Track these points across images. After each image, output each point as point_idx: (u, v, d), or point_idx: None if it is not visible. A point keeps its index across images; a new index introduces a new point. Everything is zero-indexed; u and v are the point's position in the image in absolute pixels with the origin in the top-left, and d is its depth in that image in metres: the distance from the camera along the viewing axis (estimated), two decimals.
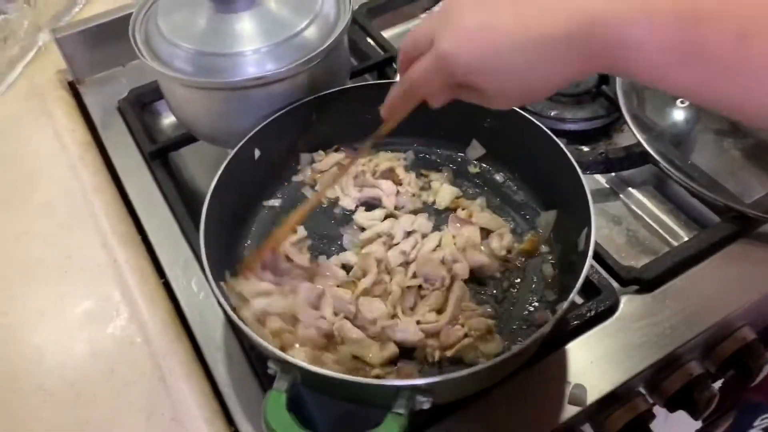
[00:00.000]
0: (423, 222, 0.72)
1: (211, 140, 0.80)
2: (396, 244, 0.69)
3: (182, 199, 0.79)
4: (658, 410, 0.71)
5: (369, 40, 0.96)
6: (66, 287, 0.72)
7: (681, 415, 0.73)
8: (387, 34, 1.01)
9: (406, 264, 0.67)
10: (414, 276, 0.66)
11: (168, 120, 0.95)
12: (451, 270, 0.65)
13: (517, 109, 0.70)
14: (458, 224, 0.71)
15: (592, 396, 0.62)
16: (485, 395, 0.61)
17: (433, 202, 0.74)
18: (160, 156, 0.83)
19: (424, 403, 0.52)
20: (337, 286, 0.65)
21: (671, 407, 0.72)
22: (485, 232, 0.71)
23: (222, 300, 0.58)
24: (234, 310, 0.58)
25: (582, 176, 0.64)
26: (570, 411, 0.61)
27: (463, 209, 0.73)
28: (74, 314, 0.70)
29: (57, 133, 0.88)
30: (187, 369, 0.66)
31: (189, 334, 0.69)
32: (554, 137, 0.68)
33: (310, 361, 0.55)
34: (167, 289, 0.73)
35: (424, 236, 0.71)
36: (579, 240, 0.63)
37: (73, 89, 0.96)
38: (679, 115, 0.82)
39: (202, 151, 0.87)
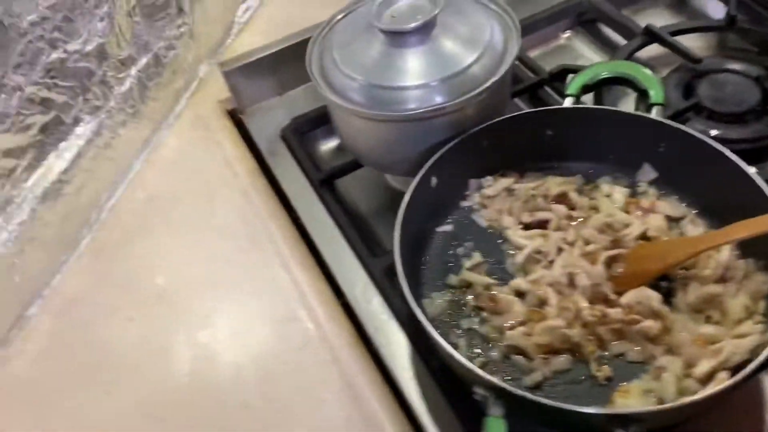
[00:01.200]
0: (573, 232, 0.72)
1: (380, 168, 0.83)
2: (550, 262, 0.70)
3: (352, 224, 0.82)
4: None
5: (517, 62, 0.98)
6: (254, 307, 0.77)
7: None
8: (530, 54, 1.02)
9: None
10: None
11: (325, 146, 0.99)
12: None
13: (700, 136, 0.70)
14: (641, 213, 0.71)
15: None
16: (683, 426, 0.61)
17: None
18: (329, 183, 0.87)
19: (637, 431, 0.52)
20: (521, 323, 0.66)
21: None
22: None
23: (423, 319, 0.60)
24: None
25: None
26: None
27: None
28: (265, 332, 0.75)
29: (227, 160, 0.94)
30: (378, 389, 0.69)
31: (373, 355, 0.72)
32: (738, 159, 0.67)
33: None
34: (347, 311, 0.76)
35: (586, 243, 0.71)
36: None
37: (234, 118, 1.02)
38: None
39: (361, 176, 0.91)
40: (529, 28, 1.04)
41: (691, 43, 0.98)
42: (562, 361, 0.64)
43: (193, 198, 0.90)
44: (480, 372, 0.55)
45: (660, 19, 1.04)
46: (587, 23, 1.09)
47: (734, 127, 0.85)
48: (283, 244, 0.83)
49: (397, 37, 0.75)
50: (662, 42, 0.97)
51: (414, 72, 0.74)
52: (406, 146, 0.77)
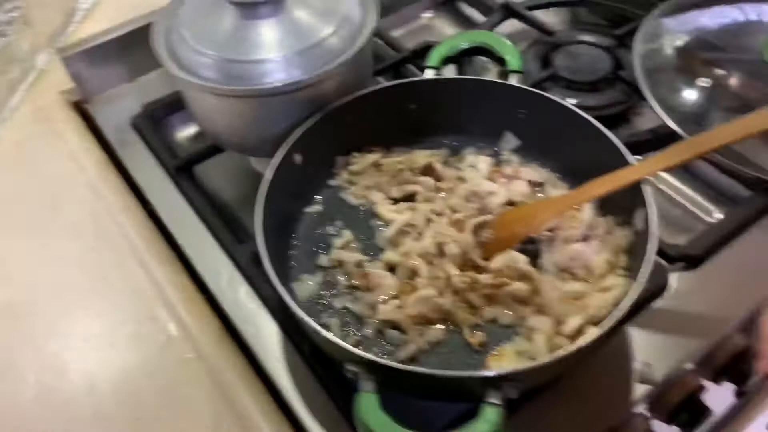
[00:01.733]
0: (441, 202, 0.71)
1: (240, 149, 0.79)
2: (420, 233, 0.69)
3: (214, 212, 0.77)
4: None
5: (378, 40, 0.96)
6: (108, 310, 0.70)
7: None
8: (393, 35, 1.01)
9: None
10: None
11: (183, 134, 0.93)
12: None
13: (557, 99, 0.71)
14: (505, 180, 0.71)
15: (658, 374, 0.63)
16: (556, 384, 0.61)
17: None
18: (186, 170, 0.81)
19: (513, 391, 0.52)
20: (393, 296, 0.64)
21: (718, 379, 0.74)
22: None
23: (289, 300, 0.57)
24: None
25: (632, 158, 0.64)
26: (640, 390, 0.62)
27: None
28: (121, 337, 0.68)
29: (72, 154, 0.85)
30: (248, 383, 0.64)
31: (242, 348, 0.67)
32: (598, 125, 0.68)
33: None
34: (212, 304, 0.71)
35: (453, 212, 0.70)
36: (635, 220, 0.64)
37: (80, 109, 0.93)
38: (696, 95, 0.84)
39: (223, 163, 0.86)
40: (390, 8, 1.04)
41: (547, 18, 1.01)
42: (436, 331, 0.62)
43: (35, 197, 0.81)
44: (348, 347, 0.52)
45: None
46: (447, 2, 1.10)
47: (590, 94, 0.88)
48: (138, 239, 0.76)
49: (248, 9, 0.71)
50: (519, 17, 0.99)
51: (269, 45, 0.70)
52: (265, 124, 0.73)
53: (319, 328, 0.55)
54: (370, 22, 0.75)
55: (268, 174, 0.65)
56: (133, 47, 0.92)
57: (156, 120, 0.88)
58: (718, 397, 0.77)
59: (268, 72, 0.69)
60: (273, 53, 0.70)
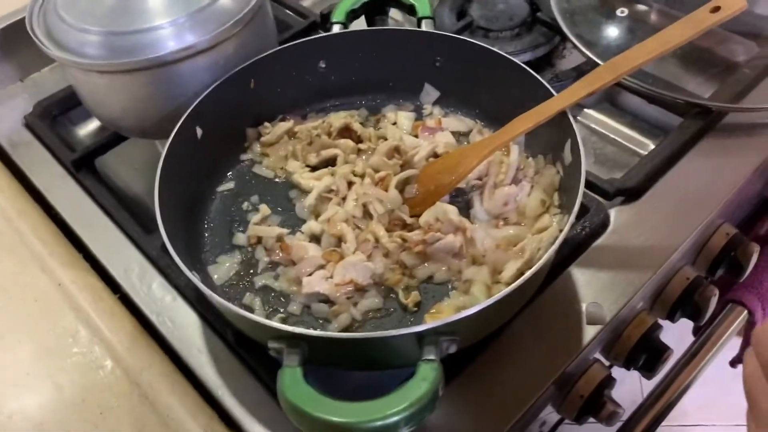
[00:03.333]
0: (361, 163, 0.67)
1: (143, 134, 0.72)
2: (343, 198, 0.64)
3: (120, 205, 0.71)
4: None
5: (287, 11, 0.91)
6: (10, 323, 0.63)
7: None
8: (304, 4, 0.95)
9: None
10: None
11: (83, 131, 0.86)
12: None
13: (471, 40, 0.67)
14: (428, 134, 0.67)
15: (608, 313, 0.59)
16: (503, 333, 0.57)
17: None
18: (86, 164, 0.74)
19: (451, 346, 0.47)
20: (319, 267, 0.59)
21: (673, 317, 0.71)
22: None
23: (201, 286, 0.51)
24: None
25: (552, 89, 0.61)
26: (591, 332, 0.58)
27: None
28: (26, 350, 0.61)
29: None
30: (169, 379, 0.58)
31: (161, 343, 0.61)
32: (515, 60, 0.65)
33: None
34: (125, 303, 0.65)
35: (376, 172, 0.65)
36: (563, 155, 0.60)
37: None
38: (617, 28, 0.81)
39: (130, 154, 0.79)
40: None
41: None
42: (369, 298, 0.57)
43: None
44: (270, 323, 0.47)
45: None
46: None
47: (509, 42, 0.84)
48: (38, 243, 0.69)
49: None
50: None
51: (155, 11, 0.65)
52: (161, 100, 0.67)
53: (238, 309, 0.49)
54: None
55: (164, 150, 0.59)
56: (19, 43, 0.85)
57: (51, 117, 0.81)
58: (677, 335, 0.74)
59: (157, 41, 0.64)
60: (160, 19, 0.64)
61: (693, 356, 0.76)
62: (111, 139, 0.75)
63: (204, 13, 0.65)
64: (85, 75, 0.67)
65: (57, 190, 0.74)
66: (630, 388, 0.89)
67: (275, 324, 0.48)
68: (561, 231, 0.54)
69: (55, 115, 0.82)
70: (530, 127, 0.59)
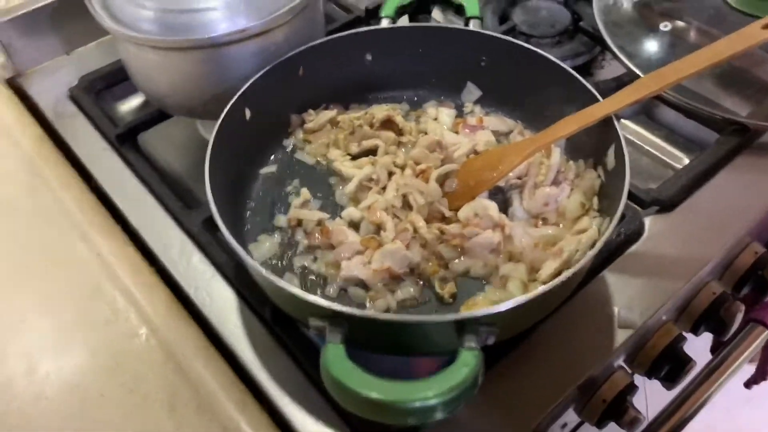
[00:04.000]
0: (402, 155, 0.68)
1: (189, 112, 0.74)
2: (383, 188, 0.65)
3: (162, 180, 0.72)
4: None
5: (332, 5, 0.92)
6: (49, 288, 0.64)
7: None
8: None
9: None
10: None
11: (127, 105, 0.87)
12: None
13: (519, 42, 0.68)
14: (468, 131, 0.68)
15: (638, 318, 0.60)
16: (534, 332, 0.58)
17: None
18: (130, 138, 0.76)
19: (490, 337, 0.48)
20: (358, 252, 0.60)
21: (697, 330, 0.71)
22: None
23: (246, 257, 0.52)
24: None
25: (599, 96, 0.62)
26: (620, 337, 0.59)
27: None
28: (62, 316, 0.62)
29: (5, 130, 0.79)
30: (204, 353, 0.59)
31: (197, 318, 0.62)
32: (563, 64, 0.65)
33: None
34: (163, 276, 0.66)
35: (417, 164, 0.66)
36: (606, 159, 0.61)
37: (13, 84, 0.86)
38: (659, 42, 0.82)
39: (170, 133, 0.81)
40: None
41: None
42: (405, 287, 0.58)
43: None
44: (317, 299, 0.48)
45: None
46: None
47: (550, 49, 0.85)
48: (79, 214, 0.70)
49: None
50: None
51: None
52: (211, 80, 0.68)
53: (282, 282, 0.50)
54: None
55: (215, 130, 0.60)
56: (68, 16, 0.87)
57: (96, 91, 0.83)
58: (699, 349, 0.75)
59: (211, 22, 0.65)
60: (215, 1, 0.65)
61: (712, 372, 0.76)
62: (154, 116, 0.77)
63: None
64: (137, 49, 0.68)
65: (99, 163, 0.75)
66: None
67: (322, 301, 0.49)
68: (600, 234, 0.55)
69: (99, 90, 0.84)
70: (575, 130, 0.60)
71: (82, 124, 0.79)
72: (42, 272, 0.66)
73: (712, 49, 0.59)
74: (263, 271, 0.51)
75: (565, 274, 0.49)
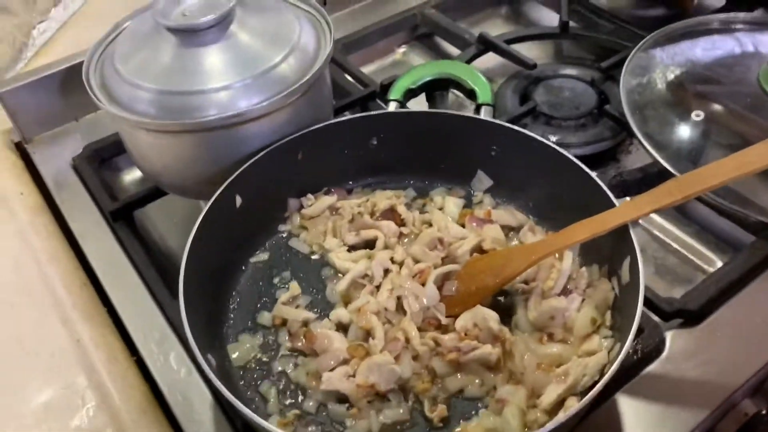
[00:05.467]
0: (401, 250, 0.63)
1: (183, 192, 0.71)
2: (377, 287, 0.61)
3: (152, 262, 0.69)
4: None
5: (347, 76, 0.89)
6: (20, 376, 0.61)
7: None
8: (365, 70, 0.94)
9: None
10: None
11: (130, 177, 0.85)
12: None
13: (531, 134, 0.63)
14: (476, 224, 0.63)
15: None
16: None
17: None
18: (124, 215, 0.73)
19: None
20: (343, 362, 0.55)
21: None
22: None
23: (211, 375, 0.48)
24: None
25: (613, 198, 0.56)
26: None
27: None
28: (30, 408, 0.59)
29: (5, 197, 0.77)
30: None
31: (170, 418, 0.58)
32: (578, 161, 0.61)
33: None
34: (141, 368, 0.62)
35: (416, 262, 0.61)
36: (621, 272, 0.55)
37: (21, 149, 0.85)
38: (690, 130, 0.76)
39: (170, 206, 0.78)
40: (361, 42, 0.97)
41: (528, 52, 0.93)
42: (392, 408, 0.53)
43: None
44: (271, 427, 0.43)
45: (496, 29, 0.99)
46: (423, 37, 1.03)
47: (573, 132, 0.80)
48: (64, 293, 0.67)
49: (189, 36, 0.64)
50: (497, 50, 0.92)
51: (211, 74, 0.63)
52: (208, 163, 0.65)
53: (244, 409, 0.46)
54: (325, 50, 0.68)
55: (199, 221, 0.57)
56: (77, 84, 0.85)
57: (99, 161, 0.81)
58: None
59: (210, 104, 0.62)
60: (215, 83, 0.62)
61: None
62: (152, 192, 0.74)
63: (261, 79, 0.63)
64: (132, 130, 0.66)
65: (92, 238, 0.73)
66: None
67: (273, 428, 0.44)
68: (610, 360, 0.49)
69: (103, 159, 0.82)
70: (587, 237, 0.55)
71: (81, 196, 0.77)
72: (16, 358, 0.63)
73: (744, 156, 0.53)
74: (224, 389, 0.48)
75: (566, 414, 0.43)
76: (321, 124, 0.66)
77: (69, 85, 0.85)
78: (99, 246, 0.72)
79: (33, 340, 0.64)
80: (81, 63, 0.83)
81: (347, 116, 0.68)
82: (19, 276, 0.69)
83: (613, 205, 0.56)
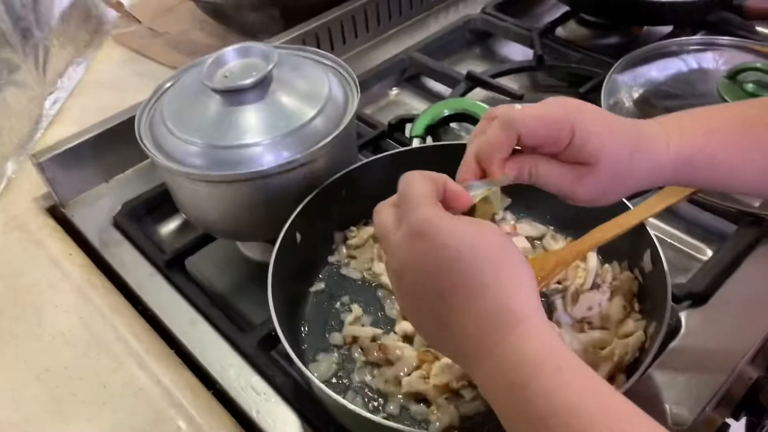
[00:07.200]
0: None
1: (235, 236, 0.77)
2: None
3: (211, 303, 0.75)
4: None
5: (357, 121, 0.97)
6: (112, 420, 0.66)
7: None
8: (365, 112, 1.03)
9: None
10: None
11: (166, 229, 0.90)
12: None
13: None
14: None
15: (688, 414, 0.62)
16: None
17: None
18: (178, 263, 0.79)
19: None
20: (415, 367, 0.62)
21: (738, 416, 0.74)
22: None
23: (314, 379, 0.54)
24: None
25: (627, 202, 0.66)
26: None
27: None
28: None
29: (53, 260, 0.82)
30: None
31: None
32: None
33: None
34: (221, 399, 0.68)
35: None
36: (642, 263, 0.65)
37: (55, 214, 0.90)
38: None
39: (211, 253, 0.84)
40: (361, 87, 1.06)
41: (508, 84, 1.05)
42: (469, 402, 0.60)
43: (14, 309, 0.77)
44: (382, 421, 0.50)
45: (474, 67, 1.10)
46: (412, 78, 1.13)
47: None
48: (134, 340, 0.72)
49: (233, 96, 0.72)
50: (484, 85, 1.02)
51: (256, 129, 0.71)
52: (258, 208, 0.72)
53: (348, 404, 0.53)
54: (353, 101, 0.76)
55: (274, 255, 0.64)
56: (107, 146, 0.91)
57: (138, 217, 0.86)
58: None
59: (257, 156, 0.69)
60: (260, 137, 0.70)
61: None
62: (201, 239, 0.80)
63: (299, 132, 0.70)
64: (188, 183, 0.72)
65: (148, 288, 0.78)
66: None
67: (375, 418, 0.51)
68: (647, 337, 0.58)
69: (140, 214, 0.87)
70: (609, 239, 0.64)
71: (128, 251, 0.83)
72: (104, 403, 0.67)
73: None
74: (328, 390, 0.54)
75: (631, 381, 0.52)
76: (361, 162, 0.74)
77: (100, 148, 0.91)
78: (157, 294, 0.77)
79: (116, 386, 0.68)
80: (107, 130, 0.90)
81: (382, 154, 0.76)
82: (89, 331, 0.74)
83: (627, 208, 0.66)
